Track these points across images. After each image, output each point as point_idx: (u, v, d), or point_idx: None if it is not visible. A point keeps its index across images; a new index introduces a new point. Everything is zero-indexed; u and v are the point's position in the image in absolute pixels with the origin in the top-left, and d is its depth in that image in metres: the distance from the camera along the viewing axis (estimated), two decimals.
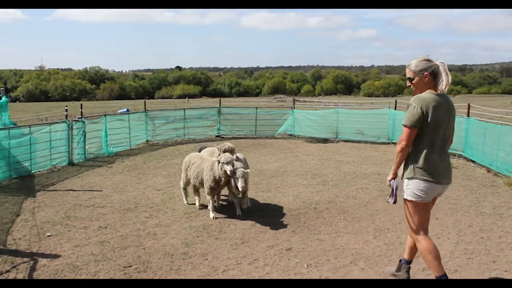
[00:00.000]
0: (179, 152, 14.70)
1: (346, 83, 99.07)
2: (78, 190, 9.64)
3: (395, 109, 17.07)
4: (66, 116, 13.63)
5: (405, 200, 4.64)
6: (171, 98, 72.81)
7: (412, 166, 4.52)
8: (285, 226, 7.39)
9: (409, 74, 4.61)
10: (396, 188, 4.64)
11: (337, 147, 15.92)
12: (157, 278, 5.48)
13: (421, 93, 4.52)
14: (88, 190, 9.66)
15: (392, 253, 6.25)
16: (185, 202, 8.60)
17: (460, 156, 13.29)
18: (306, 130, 18.15)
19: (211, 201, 7.91)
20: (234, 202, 8.26)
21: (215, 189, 7.90)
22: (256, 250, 6.36)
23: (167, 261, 5.98)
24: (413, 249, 4.96)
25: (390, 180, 4.67)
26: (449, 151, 4.41)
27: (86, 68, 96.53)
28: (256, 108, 19.10)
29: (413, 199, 4.53)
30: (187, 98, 62.66)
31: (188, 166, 8.33)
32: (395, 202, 4.68)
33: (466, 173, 11.47)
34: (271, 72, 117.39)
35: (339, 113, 17.95)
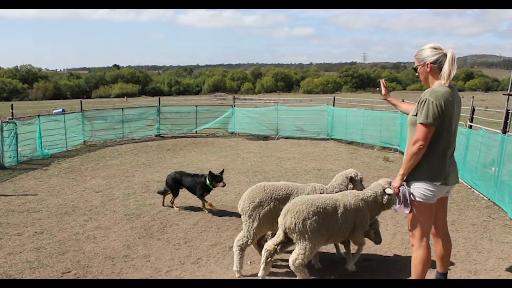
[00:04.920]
0: (118, 152, 14.39)
1: (286, 81, 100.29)
2: (11, 195, 9.21)
3: (334, 105, 17.48)
4: None
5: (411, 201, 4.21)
6: (109, 98, 71.10)
7: (421, 167, 4.07)
8: (227, 224, 7.41)
9: (415, 63, 4.21)
10: (409, 195, 4.13)
11: (277, 144, 16.11)
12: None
13: (431, 85, 4.10)
14: (22, 195, 9.25)
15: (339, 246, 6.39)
16: (238, 274, 5.31)
17: (396, 150, 13.82)
18: (247, 127, 18.27)
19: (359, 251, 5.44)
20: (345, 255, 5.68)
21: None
22: (200, 249, 6.33)
23: (108, 264, 5.83)
24: (444, 259, 4.59)
25: (399, 187, 4.18)
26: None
27: (17, 66, 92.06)
28: (196, 106, 19.05)
29: (420, 200, 4.11)
30: (125, 97, 61.30)
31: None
32: (411, 211, 4.18)
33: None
34: (211, 70, 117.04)
35: (279, 110, 18.25)
